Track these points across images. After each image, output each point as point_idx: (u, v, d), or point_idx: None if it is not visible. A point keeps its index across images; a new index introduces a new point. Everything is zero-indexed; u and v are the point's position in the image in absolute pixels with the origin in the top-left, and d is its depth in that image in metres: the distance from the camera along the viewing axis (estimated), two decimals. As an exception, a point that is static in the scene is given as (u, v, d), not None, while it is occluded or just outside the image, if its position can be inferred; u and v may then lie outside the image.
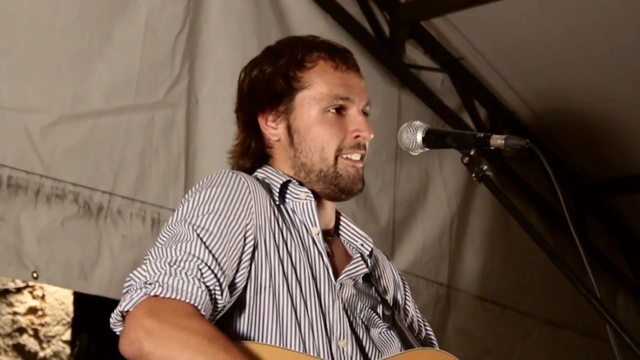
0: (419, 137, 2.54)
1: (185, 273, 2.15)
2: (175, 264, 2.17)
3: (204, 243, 2.23)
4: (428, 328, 2.86)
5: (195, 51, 4.63)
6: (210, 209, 2.32)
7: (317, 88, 2.57)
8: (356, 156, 2.59)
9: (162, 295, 2.09)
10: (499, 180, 6.82)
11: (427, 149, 2.56)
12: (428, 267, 6.25)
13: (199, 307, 2.12)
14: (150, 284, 2.12)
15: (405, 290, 2.84)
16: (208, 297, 2.15)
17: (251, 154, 2.65)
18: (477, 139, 2.42)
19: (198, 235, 2.25)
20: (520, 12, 5.96)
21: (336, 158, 2.56)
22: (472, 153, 2.41)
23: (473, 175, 2.38)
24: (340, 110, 2.58)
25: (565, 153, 7.48)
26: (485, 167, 2.38)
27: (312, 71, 2.59)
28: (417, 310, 2.86)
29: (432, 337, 2.84)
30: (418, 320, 2.84)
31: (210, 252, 2.22)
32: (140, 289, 2.11)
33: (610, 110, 6.73)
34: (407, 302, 2.82)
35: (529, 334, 7.43)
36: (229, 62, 4.72)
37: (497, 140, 2.38)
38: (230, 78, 4.61)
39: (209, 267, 2.19)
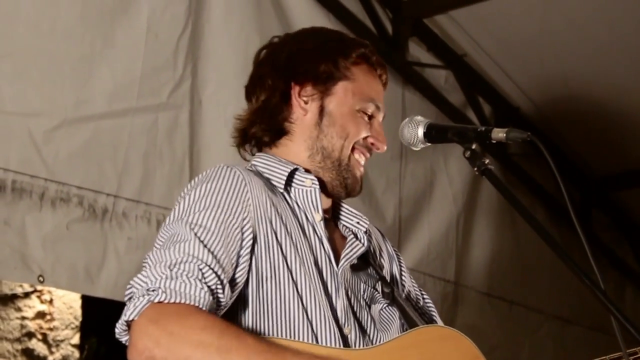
0: (420, 132, 2.56)
1: (187, 275, 2.13)
2: (175, 266, 2.15)
3: (202, 242, 2.22)
4: (425, 296, 2.88)
5: (197, 52, 4.63)
6: (206, 205, 2.31)
7: (360, 84, 2.62)
8: (363, 159, 2.63)
9: (165, 301, 2.07)
10: (505, 176, 6.81)
11: (429, 144, 2.58)
12: (435, 264, 6.25)
13: (203, 309, 2.10)
14: (152, 290, 2.09)
15: (400, 262, 2.85)
16: (211, 298, 2.14)
17: (279, 121, 2.62)
18: (478, 133, 2.43)
19: (195, 234, 2.23)
20: (522, 7, 5.95)
21: (353, 149, 2.59)
22: (473, 147, 2.41)
23: (475, 168, 2.39)
24: (369, 117, 2.63)
25: (570, 147, 7.46)
26: (487, 161, 2.38)
27: (357, 67, 2.64)
28: (413, 280, 2.88)
29: (431, 305, 2.86)
30: (415, 290, 2.85)
31: (209, 250, 2.21)
32: (143, 296, 2.09)
33: (616, 103, 6.71)
34: (402, 273, 2.84)
35: (537, 329, 7.43)
36: (231, 62, 4.72)
37: (499, 133, 2.39)
38: (233, 78, 4.66)
39: (210, 267, 2.18)
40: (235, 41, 4.80)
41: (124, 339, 2.14)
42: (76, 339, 6.80)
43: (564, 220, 7.44)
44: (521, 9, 5.98)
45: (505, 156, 6.93)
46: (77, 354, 6.78)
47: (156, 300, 2.07)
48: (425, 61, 6.30)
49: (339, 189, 2.61)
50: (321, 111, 2.60)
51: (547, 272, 7.33)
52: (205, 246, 2.21)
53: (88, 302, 6.73)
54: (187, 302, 2.09)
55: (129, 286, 2.16)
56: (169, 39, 4.47)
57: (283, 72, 2.63)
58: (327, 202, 2.66)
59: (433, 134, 2.55)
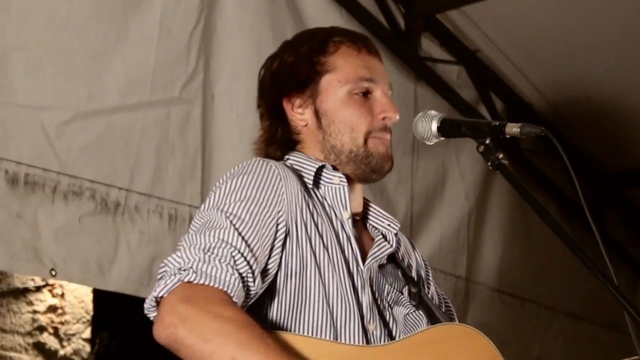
0: (434, 126, 2.55)
1: (219, 260, 2.18)
2: (209, 251, 2.20)
3: (237, 230, 2.27)
4: (448, 303, 2.89)
5: (210, 47, 4.63)
6: (243, 197, 2.36)
7: (342, 70, 2.62)
8: (386, 136, 2.63)
9: (195, 282, 2.13)
10: (517, 173, 6.79)
11: (442, 138, 2.57)
12: (446, 260, 6.25)
13: (232, 294, 2.16)
14: (184, 270, 2.15)
15: (427, 270, 2.87)
16: (241, 284, 2.19)
17: (278, 141, 2.67)
18: (492, 128, 2.42)
19: (231, 222, 2.28)
20: (535, 2, 5.94)
21: (366, 140, 2.59)
22: (487, 142, 2.41)
23: (489, 163, 2.38)
24: (366, 94, 2.62)
25: (583, 144, 7.45)
26: (501, 156, 2.37)
27: (335, 55, 2.64)
28: (437, 287, 2.90)
29: (453, 312, 2.87)
30: (439, 296, 2.87)
31: (243, 239, 2.26)
32: (174, 274, 2.15)
33: (628, 99, 6.69)
34: (429, 280, 2.86)
35: (548, 326, 7.41)
36: (244, 57, 4.72)
37: (513, 128, 2.38)
38: (246, 73, 4.66)
39: (242, 254, 2.23)
40: (247, 36, 4.80)
41: (152, 315, 2.19)
42: (87, 333, 6.81)
43: (575, 216, 7.43)
44: (533, 4, 5.97)
45: (517, 152, 6.92)
46: (88, 348, 6.79)
47: (186, 280, 2.13)
48: (437, 57, 6.29)
49: (366, 175, 2.63)
50: (317, 114, 2.62)
51: (559, 269, 7.32)
52: (240, 234, 2.26)
53: (99, 296, 6.75)
54: (217, 285, 2.14)
55: (162, 264, 2.21)
56: (181, 34, 4.47)
57: (271, 96, 2.68)
58: (359, 204, 2.70)
59: (447, 129, 2.55)
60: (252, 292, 2.25)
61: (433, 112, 2.58)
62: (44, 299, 6.71)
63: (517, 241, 7.01)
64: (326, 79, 2.62)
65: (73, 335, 6.76)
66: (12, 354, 6.60)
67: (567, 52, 6.33)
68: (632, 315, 2.07)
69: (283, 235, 2.38)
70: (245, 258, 2.23)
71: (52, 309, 6.71)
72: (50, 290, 6.71)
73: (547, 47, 6.32)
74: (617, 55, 6.29)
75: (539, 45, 6.34)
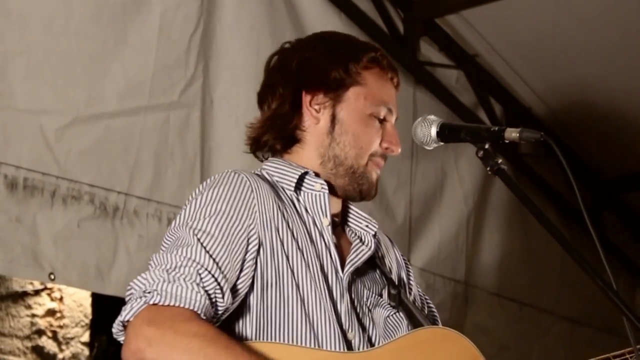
0: (434, 131, 2.55)
1: (184, 279, 2.17)
2: (174, 270, 2.19)
3: (204, 247, 2.25)
4: (430, 304, 2.88)
5: (209, 51, 4.63)
6: (212, 211, 2.34)
7: (371, 89, 2.61)
8: (380, 166, 2.64)
9: (161, 303, 2.12)
10: (516, 177, 6.79)
11: (442, 143, 2.57)
12: (445, 264, 6.24)
13: (199, 312, 2.15)
14: (148, 292, 2.14)
15: (408, 270, 2.85)
16: (208, 302, 2.18)
17: (289, 132, 2.62)
18: (491, 133, 2.42)
19: (198, 239, 2.26)
20: (535, 7, 5.94)
21: (368, 161, 2.60)
22: (486, 146, 2.41)
23: (488, 168, 2.38)
24: (382, 120, 2.62)
25: (582, 148, 7.44)
26: (500, 161, 2.38)
27: (369, 71, 2.63)
28: (419, 289, 2.89)
29: (435, 313, 2.86)
30: (420, 297, 2.85)
31: (210, 255, 2.24)
32: (140, 297, 2.14)
33: (627, 103, 6.68)
34: (410, 281, 2.84)
35: (547, 330, 7.40)
36: (243, 61, 4.72)
37: (512, 133, 2.38)
38: (245, 77, 4.66)
39: (209, 271, 2.21)
40: (246, 40, 4.80)
41: (120, 339, 2.19)
42: (86, 337, 6.80)
43: (575, 220, 7.42)
44: (533, 9, 5.97)
45: (516, 156, 6.92)
46: (86, 351, 6.78)
47: (152, 302, 2.12)
48: (436, 61, 6.29)
49: (352, 194, 2.62)
50: (333, 119, 2.60)
51: (558, 273, 7.31)
52: (207, 251, 2.24)
53: (98, 300, 6.74)
54: (182, 305, 2.13)
55: (129, 287, 2.21)
56: (181, 38, 4.48)
57: (293, 81, 2.62)
58: (337, 206, 2.67)
59: (446, 134, 2.55)
60: (221, 308, 2.23)
61: (432, 117, 2.58)
62: (42, 303, 6.70)
63: (516, 245, 7.01)
64: (355, 90, 2.59)
65: (72, 339, 6.75)
66: (11, 357, 6.59)
67: (567, 57, 6.33)
68: (631, 320, 2.08)
69: (255, 248, 2.36)
70: (212, 275, 2.21)
71: (50, 312, 6.70)
72: (49, 294, 6.70)
73: (547, 52, 6.32)
74: (616, 60, 6.29)
75: (538, 50, 6.34)
